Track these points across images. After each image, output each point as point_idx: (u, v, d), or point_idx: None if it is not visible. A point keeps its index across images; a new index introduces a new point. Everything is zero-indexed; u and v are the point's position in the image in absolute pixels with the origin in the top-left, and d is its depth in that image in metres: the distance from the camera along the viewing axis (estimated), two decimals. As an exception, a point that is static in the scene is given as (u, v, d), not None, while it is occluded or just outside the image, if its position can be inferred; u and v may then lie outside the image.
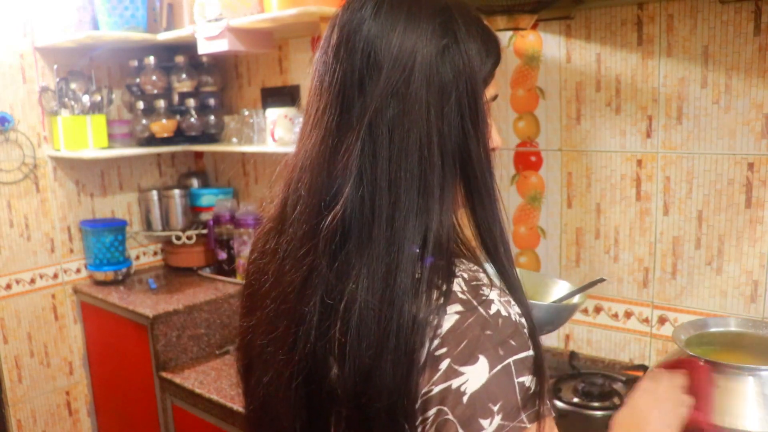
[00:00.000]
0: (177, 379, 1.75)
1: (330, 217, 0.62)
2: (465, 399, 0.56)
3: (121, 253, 2.15)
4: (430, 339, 0.58)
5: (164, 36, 1.94)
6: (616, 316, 1.50)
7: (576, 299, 1.15)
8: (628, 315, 1.48)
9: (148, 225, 2.29)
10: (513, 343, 0.59)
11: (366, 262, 0.60)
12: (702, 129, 1.31)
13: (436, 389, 0.57)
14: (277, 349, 0.67)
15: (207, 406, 1.64)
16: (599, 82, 1.44)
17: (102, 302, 2.02)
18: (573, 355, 1.51)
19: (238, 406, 1.54)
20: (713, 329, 1.10)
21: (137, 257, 2.32)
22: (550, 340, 1.62)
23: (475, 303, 0.59)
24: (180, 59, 2.11)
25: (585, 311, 1.55)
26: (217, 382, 1.70)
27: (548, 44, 1.50)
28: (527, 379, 0.58)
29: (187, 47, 2.04)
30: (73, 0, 1.94)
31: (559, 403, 1.28)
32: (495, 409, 0.56)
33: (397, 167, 0.61)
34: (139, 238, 2.32)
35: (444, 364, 0.57)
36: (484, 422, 0.56)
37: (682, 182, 1.36)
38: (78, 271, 2.16)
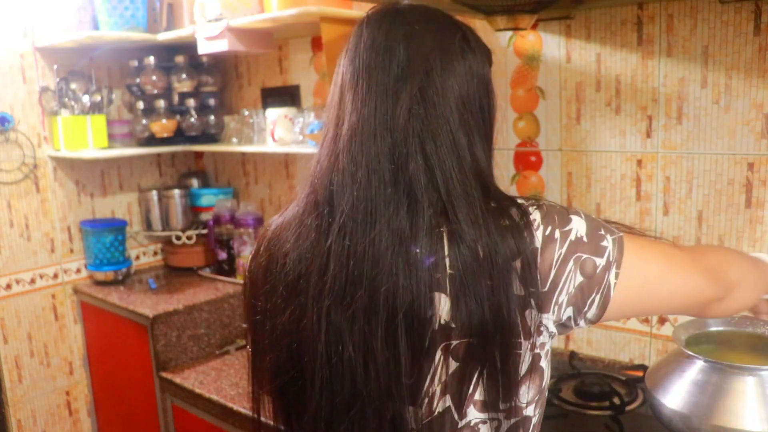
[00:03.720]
0: (177, 379, 1.75)
1: (422, 188, 0.71)
2: (585, 239, 0.73)
3: (121, 253, 2.15)
4: (535, 229, 0.72)
5: (164, 36, 1.94)
6: (616, 316, 1.50)
7: None
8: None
9: (148, 225, 2.29)
10: (571, 207, 0.78)
11: (453, 216, 0.70)
12: (702, 129, 1.32)
13: (564, 249, 0.72)
14: (359, 313, 0.70)
15: (207, 406, 1.64)
16: (599, 82, 1.44)
17: (102, 302, 2.02)
18: (573, 355, 1.51)
19: (237, 406, 1.54)
20: (713, 328, 1.10)
21: (137, 257, 2.32)
22: (550, 340, 1.62)
23: (537, 203, 0.76)
24: (180, 59, 2.11)
25: (585, 311, 1.54)
26: (217, 382, 1.70)
27: (548, 44, 1.50)
28: (595, 216, 0.79)
29: (187, 47, 2.04)
30: (73, 0, 1.94)
31: (559, 403, 1.28)
32: (603, 233, 0.75)
33: (457, 145, 0.74)
34: (139, 238, 2.32)
35: (557, 234, 0.73)
36: (603, 243, 0.74)
37: (682, 182, 1.36)
38: (78, 271, 2.16)
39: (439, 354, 0.70)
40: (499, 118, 0.84)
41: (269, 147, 1.87)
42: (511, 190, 1.62)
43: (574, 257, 0.72)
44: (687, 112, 1.33)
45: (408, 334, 0.69)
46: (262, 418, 0.86)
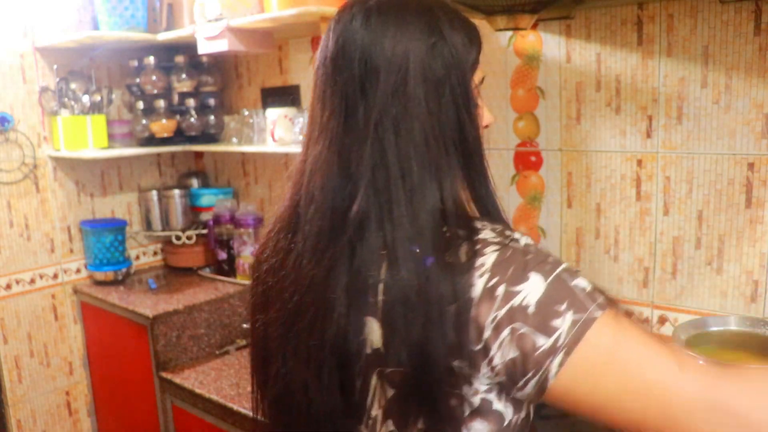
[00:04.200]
0: (177, 379, 1.75)
1: (355, 209, 0.67)
2: (531, 309, 0.61)
3: (121, 253, 2.15)
4: (479, 276, 0.63)
5: (164, 36, 1.94)
6: (616, 316, 1.50)
7: None
8: (628, 315, 1.48)
9: (148, 225, 2.29)
10: (551, 260, 0.64)
11: (393, 244, 0.65)
12: (702, 129, 1.32)
13: (501, 313, 0.61)
14: (303, 339, 0.71)
15: (207, 406, 1.64)
16: (599, 82, 1.44)
17: (102, 302, 2.02)
18: (573, 355, 1.51)
19: (237, 406, 1.54)
20: (713, 329, 1.10)
21: (137, 257, 2.32)
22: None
23: (506, 241, 0.65)
24: (180, 59, 2.10)
25: (585, 311, 1.54)
26: (217, 382, 1.70)
27: (548, 44, 1.50)
28: (580, 282, 0.63)
29: (187, 47, 2.04)
30: (73, 0, 1.94)
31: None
32: (563, 308, 0.61)
33: (407, 158, 0.67)
34: (139, 238, 2.32)
35: (500, 290, 0.62)
36: (557, 322, 0.60)
37: (682, 182, 1.36)
38: (78, 271, 2.16)
39: (375, 379, 0.68)
40: (491, 120, 0.79)
41: (269, 147, 1.87)
42: (511, 191, 1.62)
43: (510, 327, 0.61)
44: (687, 112, 1.33)
45: (340, 374, 0.68)
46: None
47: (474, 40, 0.73)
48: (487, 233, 0.66)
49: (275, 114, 1.84)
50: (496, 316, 0.61)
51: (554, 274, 0.62)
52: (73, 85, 2.05)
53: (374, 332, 0.66)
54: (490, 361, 0.63)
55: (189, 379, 1.74)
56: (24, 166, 2.01)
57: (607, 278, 1.50)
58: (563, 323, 0.60)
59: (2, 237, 1.98)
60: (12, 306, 2.01)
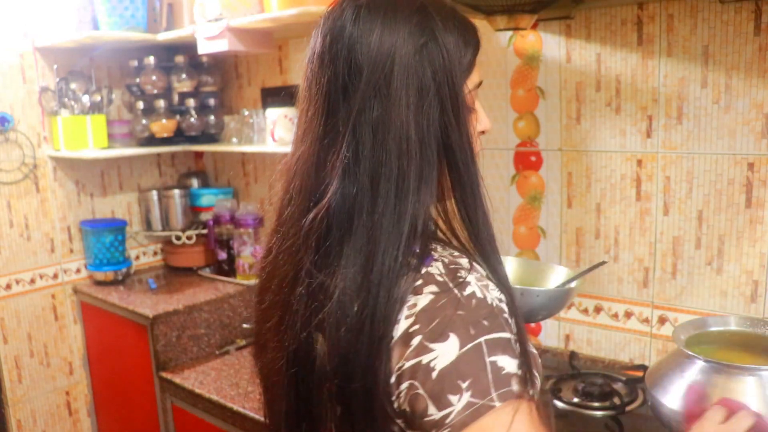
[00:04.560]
0: (177, 379, 1.75)
1: (313, 214, 0.66)
2: (434, 375, 0.58)
3: (121, 253, 2.15)
4: (406, 317, 0.61)
5: (164, 36, 1.94)
6: (616, 316, 1.50)
7: (573, 284, 1.17)
8: (628, 315, 1.48)
9: (148, 225, 2.29)
10: (486, 323, 0.60)
11: (346, 254, 0.64)
12: (702, 129, 1.32)
13: (408, 364, 0.60)
14: (272, 337, 0.73)
15: (207, 406, 1.64)
16: (599, 82, 1.44)
17: (102, 302, 2.02)
18: (573, 355, 1.51)
19: (238, 406, 1.54)
20: (713, 329, 1.10)
21: (137, 257, 2.32)
22: (551, 340, 1.62)
23: (450, 285, 0.61)
24: (180, 59, 2.11)
25: (585, 311, 1.55)
26: (217, 382, 1.70)
27: (548, 44, 1.50)
28: (501, 359, 0.59)
29: (187, 47, 2.04)
30: (73, 0, 1.94)
31: (559, 403, 1.28)
32: (464, 386, 0.57)
33: (377, 164, 0.64)
34: (139, 238, 2.32)
35: (416, 341, 0.60)
36: (453, 398, 0.57)
37: (682, 182, 1.36)
38: (78, 271, 2.16)
39: (326, 393, 0.68)
40: (488, 125, 0.76)
41: (269, 147, 1.87)
42: (511, 190, 1.62)
43: (410, 382, 0.60)
44: (687, 112, 1.33)
45: (297, 381, 0.70)
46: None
47: (470, 42, 0.69)
48: (437, 267, 0.63)
49: (275, 114, 1.84)
50: (402, 366, 0.60)
51: (474, 342, 0.58)
52: (73, 85, 2.05)
53: (322, 347, 0.67)
54: (392, 404, 0.62)
55: (189, 379, 1.74)
56: (24, 166, 2.01)
57: (607, 278, 1.50)
58: (458, 402, 0.57)
59: (2, 237, 1.98)
60: (12, 306, 2.01)
